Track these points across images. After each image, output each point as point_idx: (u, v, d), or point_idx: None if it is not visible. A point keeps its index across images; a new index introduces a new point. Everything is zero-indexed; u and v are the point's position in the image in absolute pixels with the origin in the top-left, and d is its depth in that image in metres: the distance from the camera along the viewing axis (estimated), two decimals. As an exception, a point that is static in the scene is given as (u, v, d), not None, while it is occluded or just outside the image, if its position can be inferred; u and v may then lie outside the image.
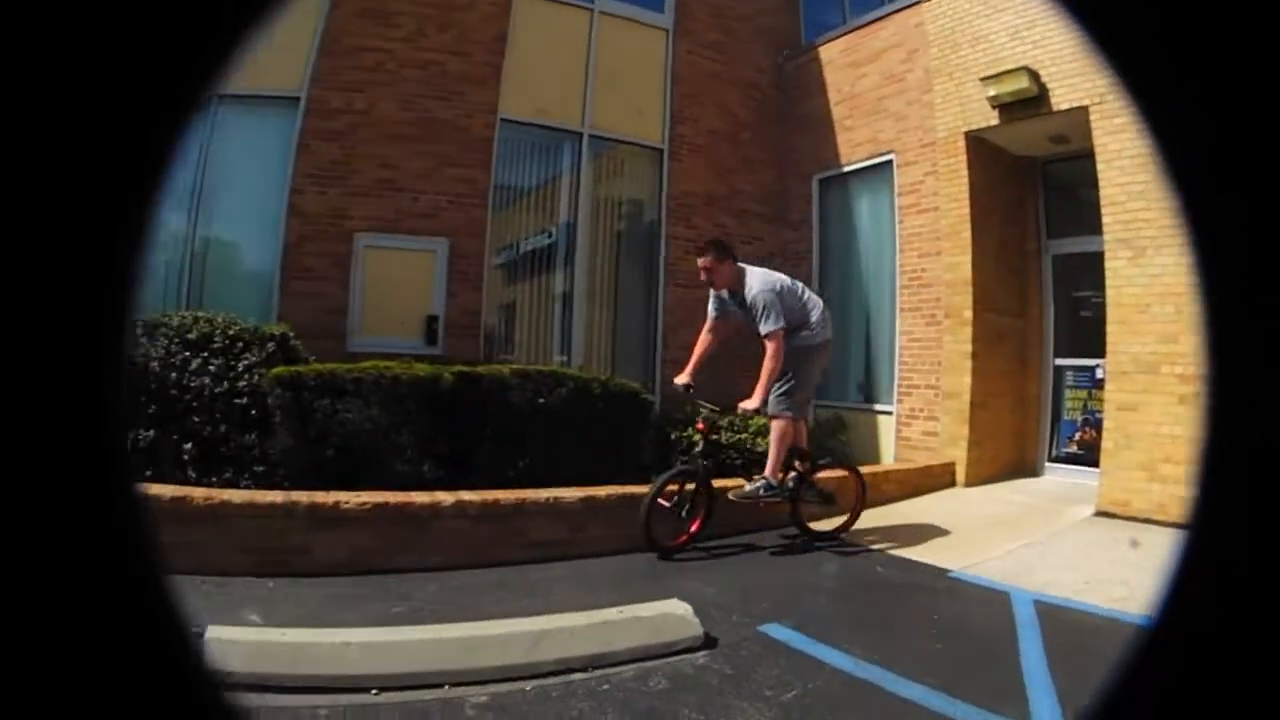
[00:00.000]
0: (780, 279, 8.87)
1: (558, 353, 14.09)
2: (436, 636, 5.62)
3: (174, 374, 8.64)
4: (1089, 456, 11.71)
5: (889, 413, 13.58)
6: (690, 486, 8.64)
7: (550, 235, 14.41)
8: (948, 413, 12.48)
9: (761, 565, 8.42)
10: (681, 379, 9.01)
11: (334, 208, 12.34)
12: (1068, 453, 12.64)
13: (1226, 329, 0.92)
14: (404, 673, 5.11)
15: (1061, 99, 11.09)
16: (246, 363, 9.02)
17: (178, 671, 0.98)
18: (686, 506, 8.60)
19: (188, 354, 8.80)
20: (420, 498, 7.83)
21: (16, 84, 0.85)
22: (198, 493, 7.25)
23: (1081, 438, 12.41)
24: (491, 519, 7.98)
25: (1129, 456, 9.99)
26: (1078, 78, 10.60)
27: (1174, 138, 0.94)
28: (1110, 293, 10.47)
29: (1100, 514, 10.04)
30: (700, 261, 8.88)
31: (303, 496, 7.49)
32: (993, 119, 12.10)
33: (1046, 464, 12.81)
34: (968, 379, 12.23)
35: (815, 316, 8.85)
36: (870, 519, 9.85)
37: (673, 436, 9.46)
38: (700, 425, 8.88)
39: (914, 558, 8.60)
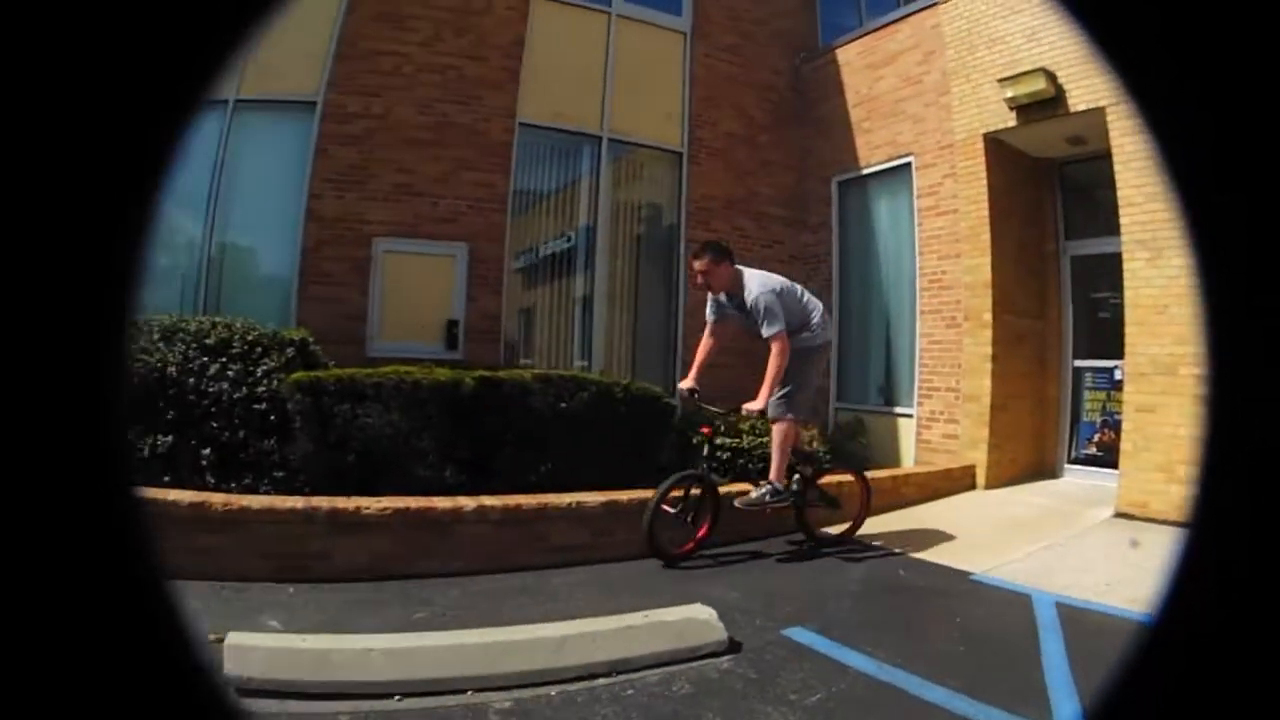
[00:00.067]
0: (779, 280, 8.75)
1: (578, 357, 14.11)
2: (459, 642, 5.60)
3: (192, 379, 8.59)
4: (1108, 458, 11.66)
5: (909, 415, 13.55)
6: (696, 492, 8.51)
7: (569, 239, 14.42)
8: (968, 415, 12.45)
9: (780, 570, 8.40)
10: (685, 384, 8.88)
11: (352, 212, 12.36)
12: (1086, 454, 12.59)
13: (1226, 329, 0.92)
14: (427, 678, 5.10)
15: (1078, 100, 11.05)
16: (266, 368, 8.97)
17: (178, 673, 0.97)
18: (692, 513, 8.46)
19: (206, 359, 8.75)
20: (441, 503, 7.80)
21: (16, 84, 0.85)
22: (216, 498, 7.25)
23: (1100, 439, 12.36)
24: (513, 524, 7.95)
25: (1148, 458, 9.95)
26: (1094, 79, 10.51)
27: (1173, 137, 0.94)
28: (1128, 294, 10.43)
29: (1119, 515, 9.99)
30: (696, 264, 8.75)
31: (323, 502, 7.46)
32: (1010, 121, 12.07)
33: (1065, 466, 12.76)
34: (988, 381, 12.21)
35: (816, 318, 8.75)
36: (891, 522, 9.87)
37: (694, 440, 9.41)
38: (705, 429, 8.79)
39: (935, 561, 8.59)
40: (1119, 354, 10.86)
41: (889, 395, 14.27)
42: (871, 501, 9.53)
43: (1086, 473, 12.26)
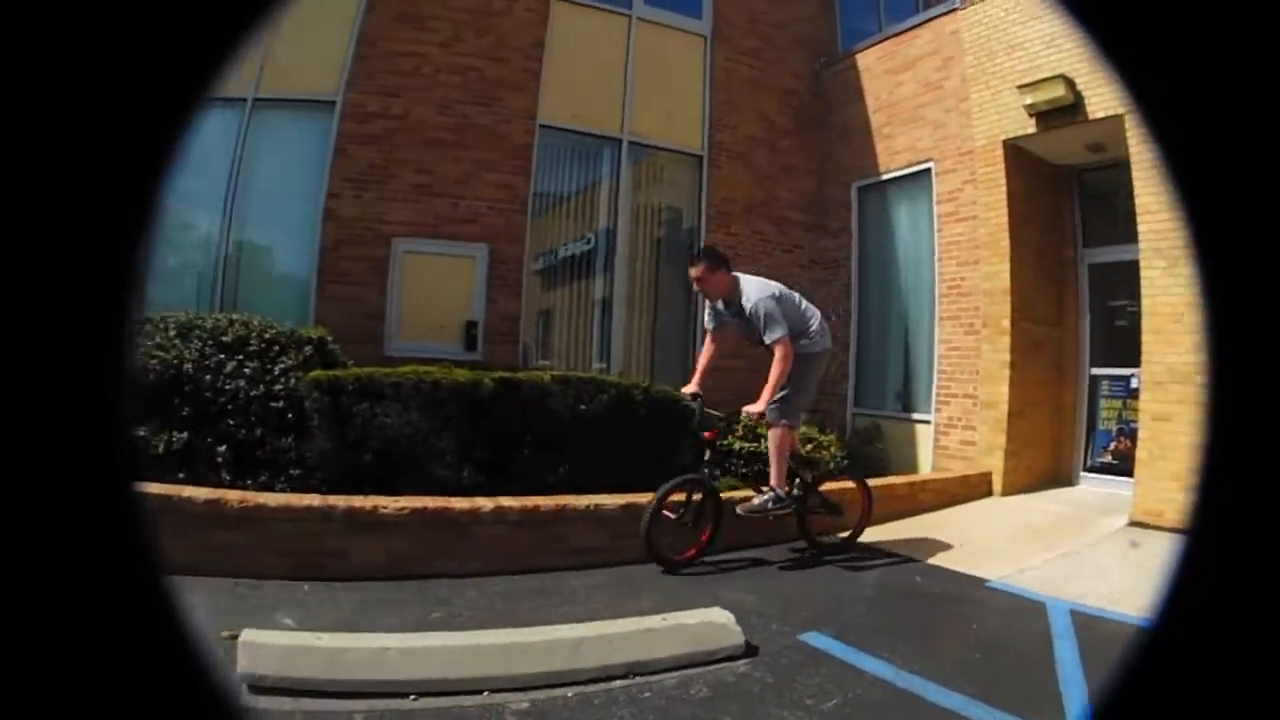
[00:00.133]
0: (776, 286, 8.66)
1: (597, 359, 14.13)
2: (476, 642, 5.60)
3: (208, 376, 8.56)
4: (1123, 466, 11.64)
5: (927, 422, 13.54)
6: (697, 496, 8.35)
7: (589, 241, 14.44)
8: (985, 422, 12.44)
9: (791, 576, 8.38)
10: (688, 389, 8.80)
11: (371, 212, 12.39)
12: (1102, 462, 12.57)
13: (1226, 329, 0.93)
14: (443, 678, 5.09)
15: (1097, 107, 11.03)
16: (283, 366, 8.95)
17: (177, 672, 0.98)
18: (693, 518, 8.30)
19: (222, 356, 8.73)
20: (460, 503, 7.81)
21: (16, 84, 0.86)
22: (232, 495, 7.25)
23: (1116, 447, 12.34)
24: (532, 525, 7.95)
25: (1163, 467, 9.91)
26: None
27: (1174, 140, 0.95)
28: (1145, 302, 10.41)
29: (1134, 524, 9.97)
30: (692, 272, 8.69)
31: (340, 500, 7.47)
32: (1030, 127, 12.06)
33: (1081, 473, 12.75)
34: (1005, 388, 12.20)
35: (814, 325, 8.67)
36: (908, 528, 9.88)
37: (696, 445, 9.39)
38: (707, 434, 8.66)
39: (952, 567, 8.58)
40: (1136, 362, 10.84)
41: (907, 401, 14.26)
42: (873, 508, 9.45)
43: (1102, 481, 12.24)
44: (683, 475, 8.41)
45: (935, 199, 13.71)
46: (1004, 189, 12.44)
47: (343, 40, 12.41)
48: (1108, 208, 12.65)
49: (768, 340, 8.28)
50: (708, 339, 9.03)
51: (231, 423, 8.56)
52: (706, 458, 8.53)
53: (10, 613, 0.88)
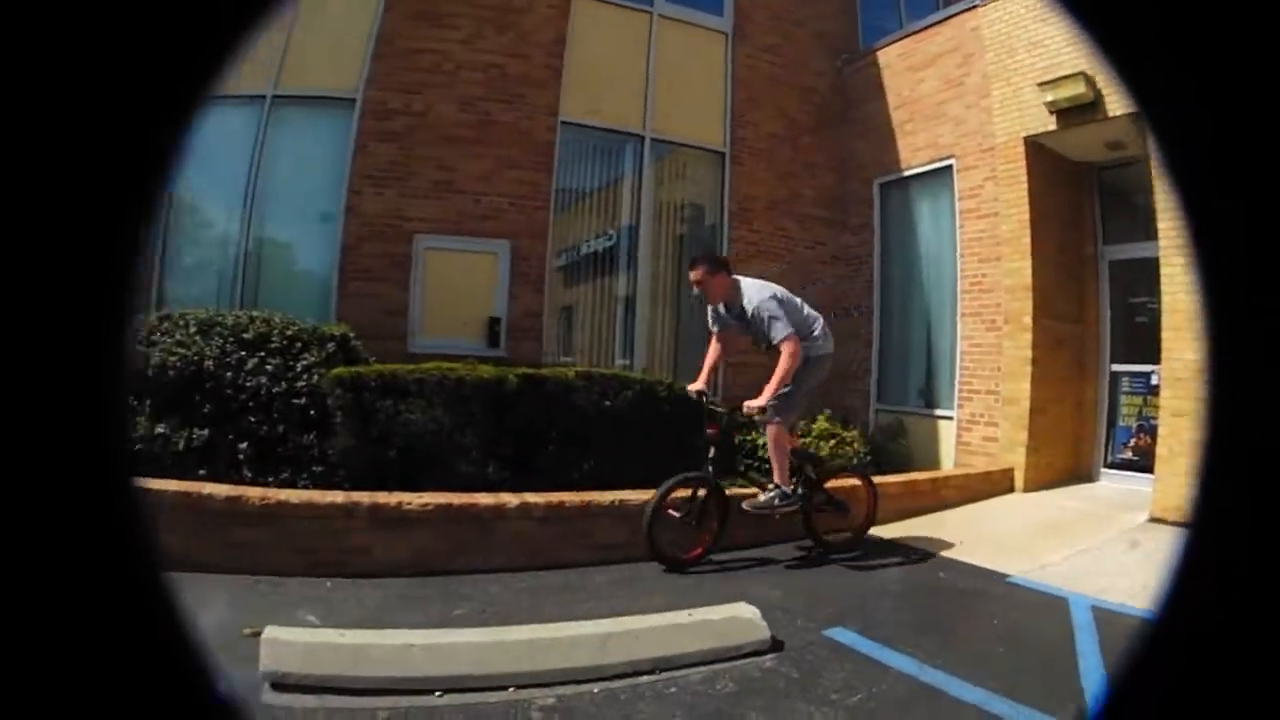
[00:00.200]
0: (777, 288, 8.62)
1: (619, 356, 14.11)
2: (501, 639, 5.63)
3: (229, 373, 8.60)
4: (1143, 462, 11.62)
5: (949, 418, 13.52)
6: (702, 493, 8.30)
7: (612, 238, 14.42)
8: (1007, 418, 12.42)
9: (814, 573, 8.37)
10: (694, 386, 8.81)
11: (392, 209, 12.41)
12: (1123, 459, 12.55)
13: (1226, 329, 0.95)
14: (468, 674, 5.11)
15: (1117, 105, 10.93)
16: (305, 363, 8.98)
17: (177, 671, 1.00)
18: (697, 516, 8.24)
19: (244, 353, 8.77)
20: (484, 499, 7.85)
21: (17, 84, 0.87)
22: (253, 492, 7.29)
23: (1136, 444, 12.32)
24: (556, 521, 7.98)
25: (1183, 463, 9.79)
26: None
27: (1172, 137, 0.97)
28: (1165, 299, 10.39)
29: (1154, 520, 9.96)
30: (691, 275, 8.67)
31: (364, 497, 7.51)
32: (1050, 124, 12.03)
33: (1102, 470, 12.72)
34: (1027, 385, 12.19)
35: (817, 329, 8.64)
36: (930, 525, 9.90)
37: (736, 440, 9.37)
38: (711, 430, 8.54)
39: (974, 563, 8.59)
40: (1156, 359, 10.79)
41: (929, 397, 14.24)
42: (878, 506, 9.41)
43: (1122, 477, 12.22)
44: (686, 473, 8.33)
45: (957, 195, 13.67)
46: (1025, 186, 12.42)
47: (361, 38, 12.43)
48: (1127, 205, 12.63)
49: (774, 339, 8.27)
50: (713, 339, 9.04)
51: (253, 419, 8.61)
52: (711, 454, 8.44)
53: (10, 612, 0.89)
